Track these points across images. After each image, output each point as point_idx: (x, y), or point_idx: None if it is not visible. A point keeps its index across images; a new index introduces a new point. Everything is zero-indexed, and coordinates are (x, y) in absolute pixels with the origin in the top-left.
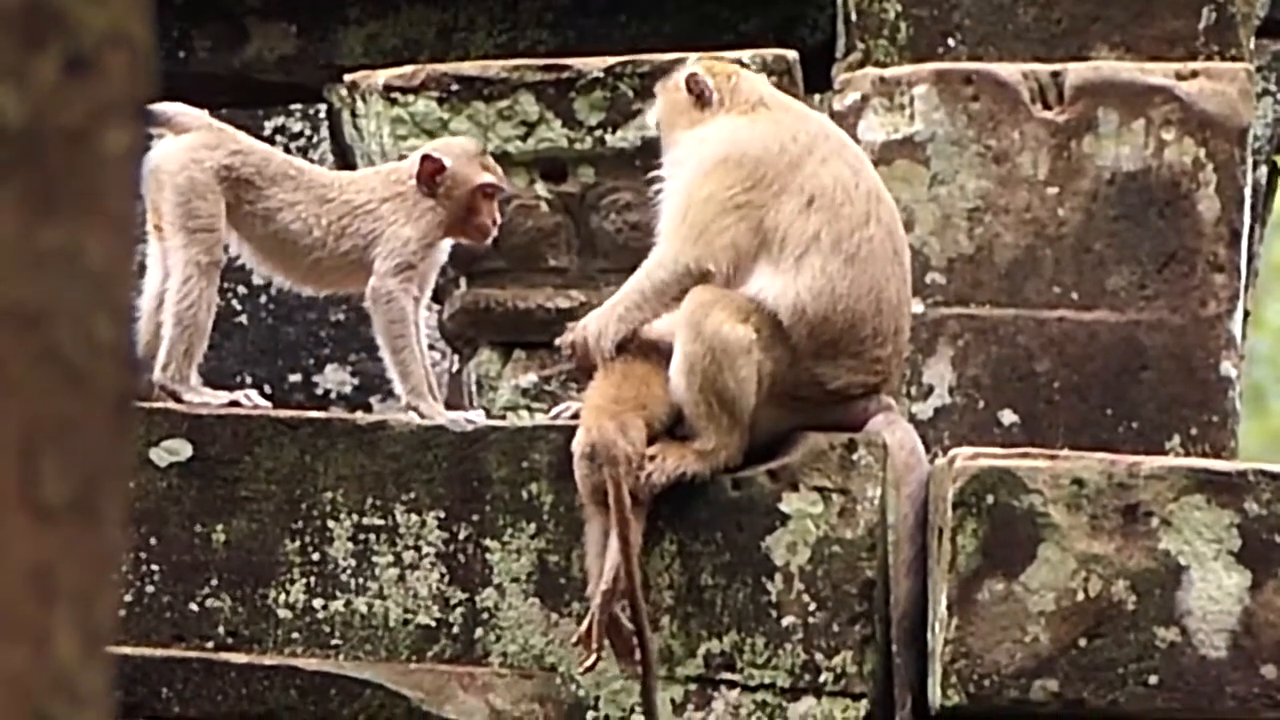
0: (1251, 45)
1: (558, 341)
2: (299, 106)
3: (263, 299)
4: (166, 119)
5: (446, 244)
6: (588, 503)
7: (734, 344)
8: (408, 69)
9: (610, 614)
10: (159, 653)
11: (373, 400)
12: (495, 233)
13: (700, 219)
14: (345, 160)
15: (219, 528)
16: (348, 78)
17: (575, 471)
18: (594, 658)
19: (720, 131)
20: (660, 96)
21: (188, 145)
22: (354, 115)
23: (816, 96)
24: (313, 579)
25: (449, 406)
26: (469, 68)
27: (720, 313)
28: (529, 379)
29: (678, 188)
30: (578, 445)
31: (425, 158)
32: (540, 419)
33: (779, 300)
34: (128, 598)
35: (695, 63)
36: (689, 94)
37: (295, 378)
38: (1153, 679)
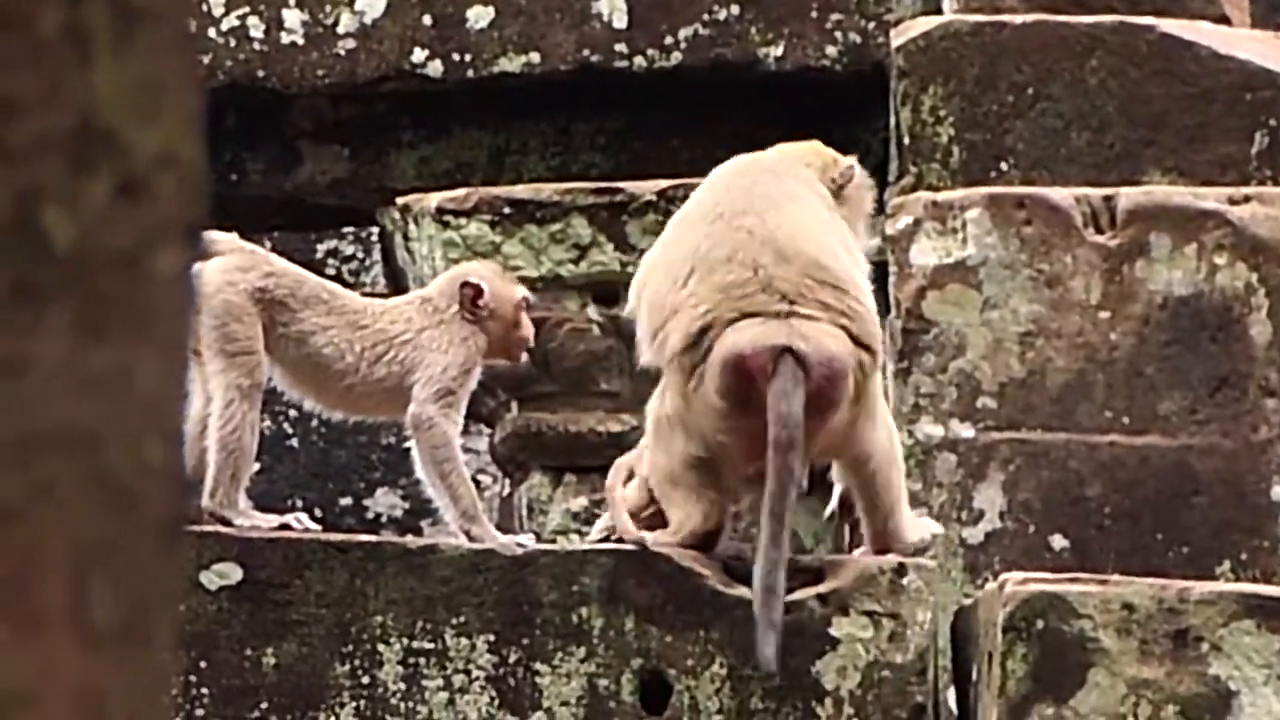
0: None
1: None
2: (351, 229)
3: (314, 423)
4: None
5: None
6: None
7: (656, 416)
8: (460, 192)
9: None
10: None
11: (423, 524)
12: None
13: None
14: (397, 283)
15: (269, 651)
16: (400, 200)
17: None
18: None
19: None
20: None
21: (222, 268)
22: (406, 238)
23: None
24: (363, 702)
25: (499, 530)
26: (521, 190)
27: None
28: (580, 503)
29: None
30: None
31: (465, 284)
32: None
33: None
34: None
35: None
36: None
37: (346, 501)
38: None
